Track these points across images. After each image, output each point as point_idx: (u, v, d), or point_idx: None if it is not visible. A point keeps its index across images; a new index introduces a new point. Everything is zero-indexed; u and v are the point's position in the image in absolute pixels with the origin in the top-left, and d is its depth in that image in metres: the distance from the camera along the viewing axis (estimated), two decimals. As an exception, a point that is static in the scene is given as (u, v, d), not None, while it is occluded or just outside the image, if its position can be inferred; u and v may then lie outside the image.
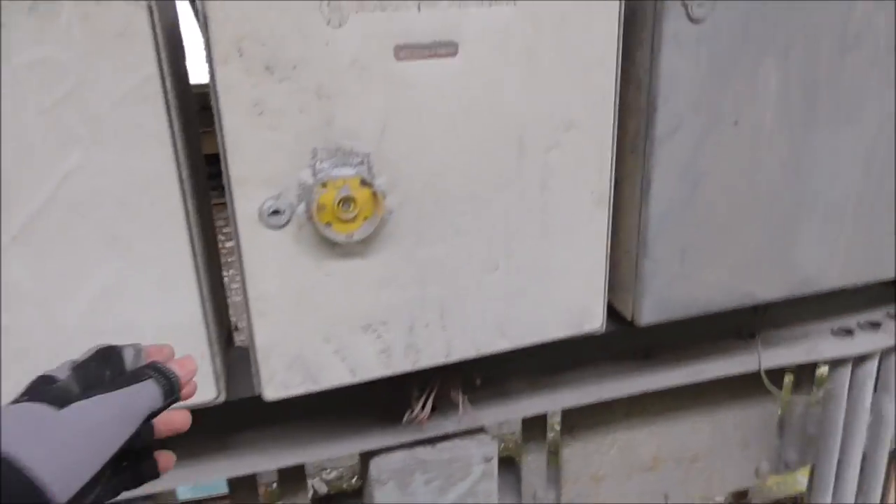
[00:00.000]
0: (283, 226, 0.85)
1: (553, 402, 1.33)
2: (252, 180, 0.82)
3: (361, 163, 0.86)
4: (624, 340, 1.36)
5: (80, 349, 0.79)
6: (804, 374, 1.61)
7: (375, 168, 0.87)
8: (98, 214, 0.80)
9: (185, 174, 0.82)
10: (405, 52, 0.83)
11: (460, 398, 1.21)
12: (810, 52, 0.99)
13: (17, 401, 0.46)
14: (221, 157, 0.80)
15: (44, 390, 0.47)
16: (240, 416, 1.14)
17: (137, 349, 0.55)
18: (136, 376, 0.51)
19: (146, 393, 0.50)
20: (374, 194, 0.86)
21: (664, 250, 1.05)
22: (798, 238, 1.11)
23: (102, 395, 0.47)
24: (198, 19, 0.74)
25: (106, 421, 0.46)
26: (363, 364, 0.98)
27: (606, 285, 1.08)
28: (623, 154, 1.03)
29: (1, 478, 0.40)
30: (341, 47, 0.80)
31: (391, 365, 1.00)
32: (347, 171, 0.85)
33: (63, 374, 0.49)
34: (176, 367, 0.54)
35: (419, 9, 0.81)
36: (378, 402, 1.20)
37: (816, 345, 1.46)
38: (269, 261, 0.86)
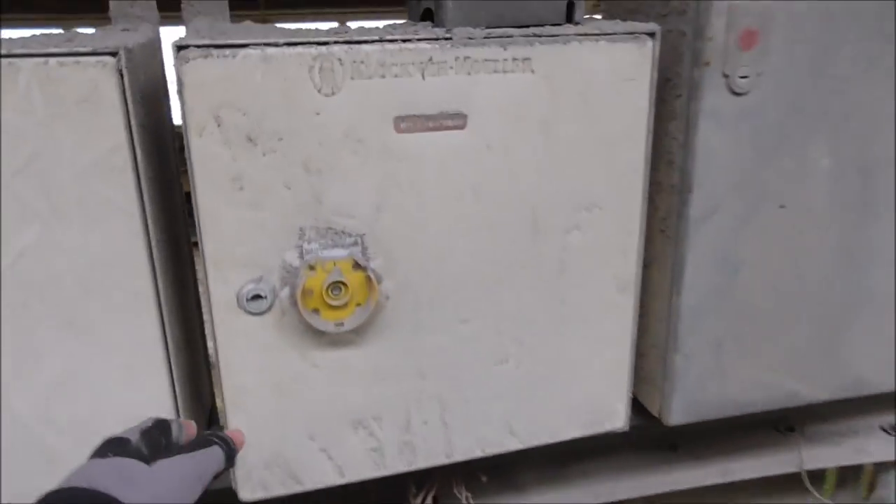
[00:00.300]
0: (265, 312, 0.75)
1: (567, 497, 1.19)
2: (230, 262, 0.73)
3: (355, 244, 0.76)
4: (648, 429, 1.23)
5: (36, 438, 0.75)
6: (849, 471, 1.45)
7: (370, 250, 0.77)
8: (56, 295, 0.71)
9: (156, 251, 0.73)
10: (407, 123, 0.74)
11: (463, 495, 1.09)
12: (866, 130, 0.88)
13: (97, 456, 0.54)
14: (197, 235, 0.71)
15: (126, 449, 0.55)
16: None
17: (179, 423, 0.63)
18: (206, 442, 0.60)
19: (215, 456, 0.59)
20: (369, 278, 0.76)
21: (697, 344, 0.93)
22: (849, 334, 0.98)
23: (183, 456, 0.56)
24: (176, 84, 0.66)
25: (187, 477, 0.55)
26: (352, 463, 0.87)
27: (631, 380, 0.96)
28: (652, 234, 0.93)
29: None
30: (334, 117, 0.71)
31: (384, 465, 0.88)
32: (339, 253, 0.76)
33: (134, 437, 0.56)
34: (231, 436, 0.63)
35: (423, 76, 0.73)
36: (371, 499, 1.08)
37: (865, 443, 1.31)
38: (247, 350, 0.77)
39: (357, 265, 0.76)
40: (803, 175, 0.88)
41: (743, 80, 0.79)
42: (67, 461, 0.72)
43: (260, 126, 0.69)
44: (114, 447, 0.55)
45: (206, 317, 0.75)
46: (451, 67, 0.73)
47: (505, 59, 0.75)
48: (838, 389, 1.02)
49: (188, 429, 0.63)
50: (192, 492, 0.54)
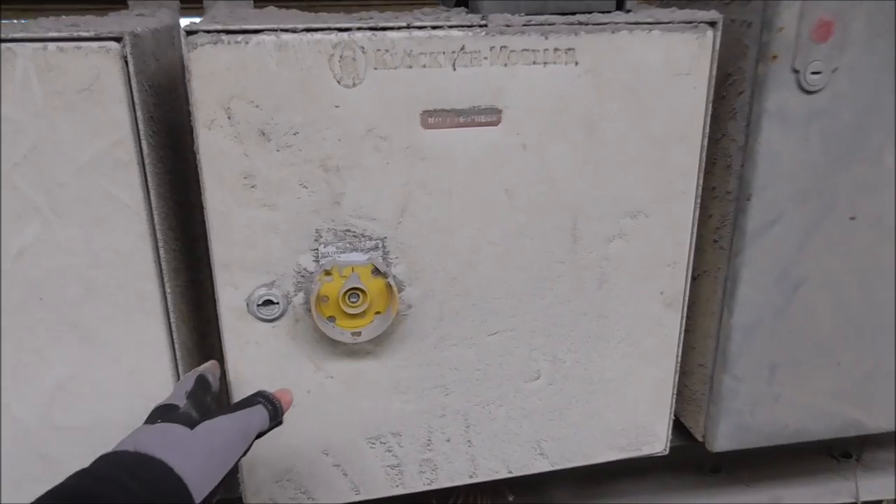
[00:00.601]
0: (276, 319, 0.70)
1: (601, 518, 1.13)
2: (240, 265, 0.68)
3: (375, 248, 0.70)
4: (690, 449, 1.15)
5: (38, 444, 0.72)
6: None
7: (392, 255, 0.71)
8: (58, 297, 0.67)
9: (164, 251, 0.69)
10: (435, 118, 0.67)
11: (489, 512, 1.03)
12: (954, 134, 0.78)
13: (147, 423, 0.56)
14: (208, 235, 0.66)
15: (174, 415, 0.57)
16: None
17: (212, 372, 0.66)
18: (249, 402, 0.61)
19: (258, 416, 0.60)
20: (389, 286, 0.70)
21: (749, 366, 0.85)
22: (922, 360, 0.88)
23: (226, 417, 0.57)
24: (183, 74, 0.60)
25: (230, 438, 0.56)
26: (369, 480, 0.81)
27: (673, 402, 0.88)
28: (703, 245, 0.84)
29: (160, 478, 0.50)
30: (355, 111, 0.65)
31: (403, 483, 0.83)
32: (357, 258, 0.70)
33: (181, 402, 0.59)
34: (278, 396, 0.63)
35: (454, 67, 0.66)
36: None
37: (931, 473, 1.20)
38: (257, 358, 0.72)
39: (377, 271, 0.70)
40: (878, 184, 0.78)
41: (815, 77, 0.70)
42: (70, 468, 0.69)
43: (274, 119, 0.63)
44: (162, 413, 0.57)
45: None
46: (486, 58, 0.66)
47: (546, 50, 0.68)
48: (907, 420, 0.92)
49: (214, 369, 0.67)
50: (234, 451, 0.56)
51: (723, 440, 0.88)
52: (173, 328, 0.71)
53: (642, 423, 0.88)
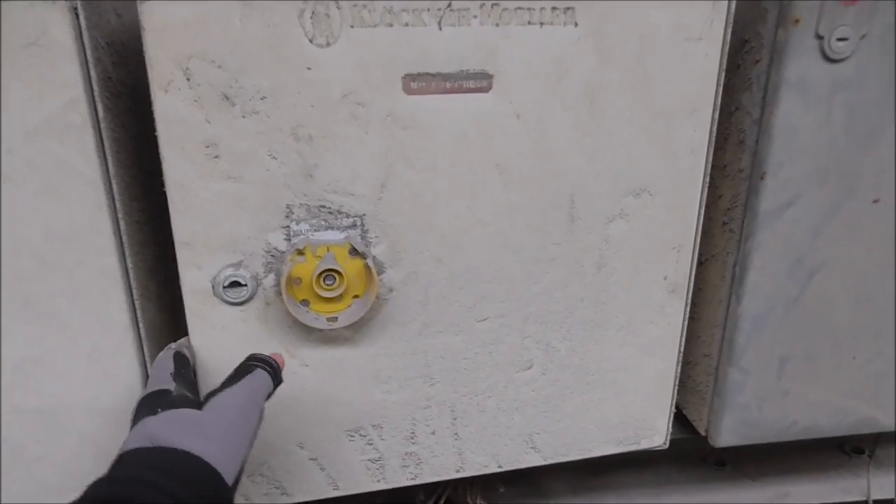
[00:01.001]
0: (245, 302, 0.65)
1: (598, 511, 1.08)
2: (204, 243, 0.62)
3: (353, 226, 0.65)
4: (693, 441, 1.10)
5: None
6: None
7: (371, 234, 0.65)
8: (10, 271, 0.62)
9: (125, 223, 0.63)
10: (418, 83, 0.61)
11: (478, 502, 0.98)
12: None
13: (146, 414, 0.51)
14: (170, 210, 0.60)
15: (171, 400, 0.54)
16: None
17: (186, 346, 0.64)
18: (247, 369, 0.58)
19: (260, 380, 0.57)
20: (368, 267, 0.64)
21: (757, 358, 0.79)
22: (945, 355, 0.82)
23: (232, 388, 0.55)
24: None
25: (242, 410, 0.53)
26: (348, 475, 0.76)
27: (674, 394, 0.83)
28: (712, 228, 0.78)
29: (190, 468, 0.47)
30: (329, 74, 0.59)
31: (385, 478, 0.78)
32: (333, 236, 0.64)
33: (170, 385, 0.56)
34: (272, 357, 0.60)
35: (440, 26, 0.59)
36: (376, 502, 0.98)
37: (946, 471, 1.14)
38: (224, 344, 0.66)
39: (355, 251, 0.64)
40: (907, 163, 0.72)
41: (841, 44, 0.64)
42: (31, 452, 0.68)
43: (238, 82, 0.57)
44: (157, 401, 0.54)
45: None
46: (476, 16, 0.60)
47: (542, 8, 0.61)
48: (926, 418, 0.86)
49: (188, 342, 0.65)
50: (251, 419, 0.54)
51: (726, 435, 0.83)
52: (137, 306, 0.66)
53: (642, 415, 0.83)
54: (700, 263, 0.77)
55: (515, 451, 0.81)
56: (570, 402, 0.79)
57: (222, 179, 0.60)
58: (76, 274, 0.63)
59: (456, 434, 0.77)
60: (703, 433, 0.88)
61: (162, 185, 0.60)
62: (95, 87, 0.58)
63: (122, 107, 0.64)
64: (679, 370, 0.81)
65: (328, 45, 0.58)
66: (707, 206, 0.73)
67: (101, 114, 0.59)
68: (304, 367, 0.69)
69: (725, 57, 0.66)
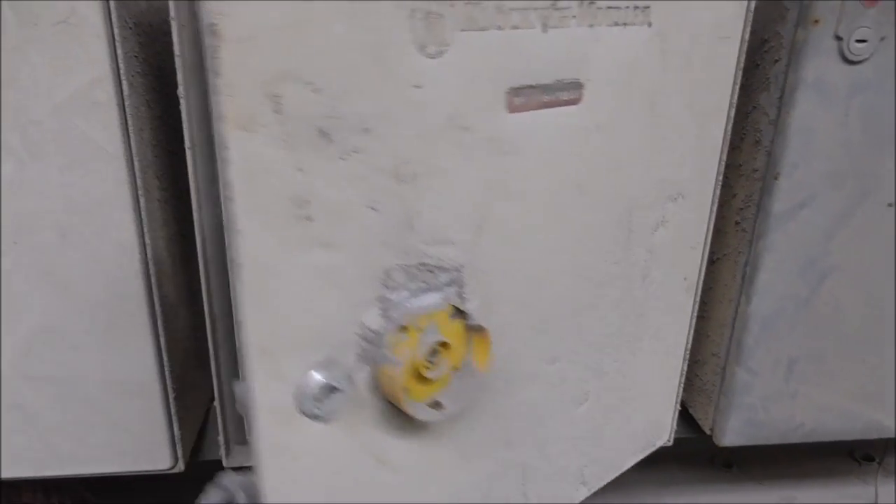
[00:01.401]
0: (337, 411, 0.47)
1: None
2: (287, 343, 0.43)
3: (451, 283, 0.51)
4: (699, 442, 1.09)
5: (13, 394, 0.70)
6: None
7: (468, 288, 0.52)
8: (32, 242, 0.64)
9: (145, 200, 0.65)
10: (521, 98, 0.50)
11: None
12: None
13: None
14: (234, 310, 0.41)
15: None
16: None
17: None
18: None
19: None
20: (471, 329, 0.52)
21: (765, 358, 0.81)
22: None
23: None
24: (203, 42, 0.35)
25: None
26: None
27: (680, 391, 0.83)
28: (725, 227, 0.78)
29: None
30: (437, 92, 0.45)
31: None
32: (432, 300, 0.50)
33: None
34: None
35: (545, 27, 0.49)
36: None
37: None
38: (303, 467, 0.48)
39: (457, 312, 0.51)
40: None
41: (860, 45, 0.66)
42: (45, 419, 0.71)
43: (338, 111, 0.41)
44: None
45: (247, 425, 0.45)
46: (574, 16, 0.51)
47: (626, 7, 0.55)
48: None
49: None
50: None
51: (731, 435, 0.85)
52: (153, 281, 0.68)
53: (657, 417, 0.82)
54: (712, 262, 0.78)
55: (569, 490, 0.74)
56: (612, 425, 0.75)
57: (314, 248, 0.42)
58: (96, 247, 0.65)
59: (525, 494, 0.67)
60: (707, 432, 0.89)
61: (183, 164, 0.60)
62: (122, 66, 0.60)
63: (147, 86, 0.66)
64: (685, 367, 0.82)
65: (439, 54, 0.44)
66: (720, 205, 0.73)
67: (125, 92, 0.61)
68: (393, 471, 0.53)
69: (744, 56, 0.67)
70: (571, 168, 0.56)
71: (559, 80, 0.52)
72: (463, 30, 0.45)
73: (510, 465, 0.64)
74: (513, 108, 0.50)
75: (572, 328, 0.64)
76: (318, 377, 0.45)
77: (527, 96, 0.51)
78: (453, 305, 0.50)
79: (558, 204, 0.57)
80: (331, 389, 0.46)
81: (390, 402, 0.49)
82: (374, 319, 0.47)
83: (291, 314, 0.43)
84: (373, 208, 0.44)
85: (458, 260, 0.51)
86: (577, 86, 0.54)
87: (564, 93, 0.53)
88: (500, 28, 0.47)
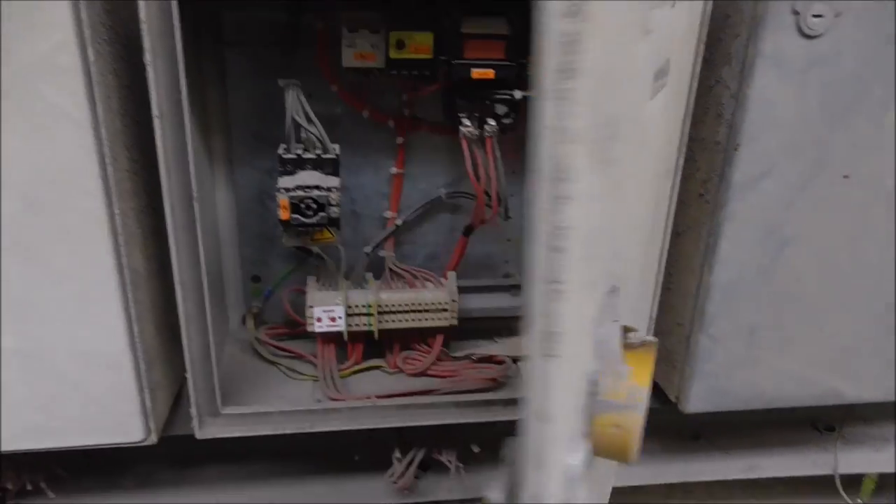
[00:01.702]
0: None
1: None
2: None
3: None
4: (667, 414, 1.12)
5: None
6: (890, 479, 1.32)
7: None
8: None
9: (112, 168, 0.64)
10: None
11: (453, 464, 1.00)
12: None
13: None
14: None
15: None
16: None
17: None
18: None
19: None
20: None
21: (727, 327, 0.81)
22: (909, 330, 0.85)
23: None
24: None
25: None
26: None
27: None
28: (688, 199, 0.80)
29: None
30: None
31: None
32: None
33: None
34: None
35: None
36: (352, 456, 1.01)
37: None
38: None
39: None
40: (877, 142, 0.73)
41: (816, 20, 0.65)
42: (14, 393, 0.70)
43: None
44: None
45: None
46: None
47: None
48: (889, 391, 0.89)
49: None
50: None
51: (696, 401, 0.86)
52: (122, 251, 0.67)
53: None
54: (677, 234, 0.79)
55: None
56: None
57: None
58: (63, 217, 0.64)
59: None
60: (673, 400, 0.91)
61: (151, 135, 0.62)
62: (86, 31, 0.59)
63: (115, 55, 0.65)
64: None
65: None
66: (684, 178, 0.75)
67: (91, 58, 0.60)
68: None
69: (705, 28, 0.68)
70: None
71: None
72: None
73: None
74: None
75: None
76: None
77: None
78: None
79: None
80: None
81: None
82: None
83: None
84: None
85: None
86: None
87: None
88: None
